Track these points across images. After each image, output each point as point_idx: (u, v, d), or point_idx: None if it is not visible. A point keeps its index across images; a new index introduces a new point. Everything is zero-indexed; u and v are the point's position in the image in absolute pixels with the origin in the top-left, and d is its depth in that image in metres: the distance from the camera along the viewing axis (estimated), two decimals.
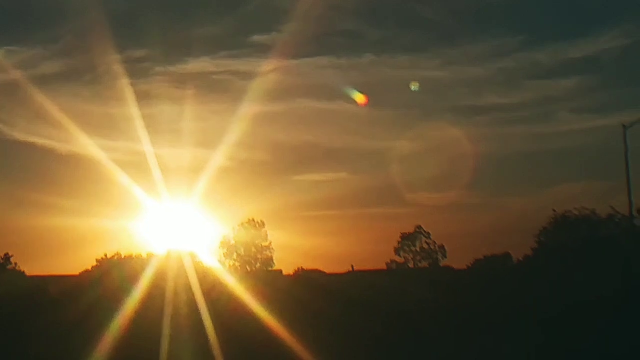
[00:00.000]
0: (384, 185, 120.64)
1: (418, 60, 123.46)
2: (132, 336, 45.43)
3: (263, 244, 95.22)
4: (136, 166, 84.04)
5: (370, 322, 47.83)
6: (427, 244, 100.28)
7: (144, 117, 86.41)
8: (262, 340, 44.60)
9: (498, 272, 64.01)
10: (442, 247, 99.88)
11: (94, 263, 67.31)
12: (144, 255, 66.29)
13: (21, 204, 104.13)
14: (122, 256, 66.68)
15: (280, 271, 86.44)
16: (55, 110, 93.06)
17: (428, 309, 50.21)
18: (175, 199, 77.52)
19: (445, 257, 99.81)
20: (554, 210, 59.81)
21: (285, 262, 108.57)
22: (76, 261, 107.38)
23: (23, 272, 78.79)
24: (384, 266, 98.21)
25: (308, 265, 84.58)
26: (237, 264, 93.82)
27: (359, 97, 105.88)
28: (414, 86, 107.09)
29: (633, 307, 40.45)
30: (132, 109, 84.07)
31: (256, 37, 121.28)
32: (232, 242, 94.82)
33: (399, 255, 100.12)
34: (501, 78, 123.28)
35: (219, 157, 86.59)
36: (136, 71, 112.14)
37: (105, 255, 67.45)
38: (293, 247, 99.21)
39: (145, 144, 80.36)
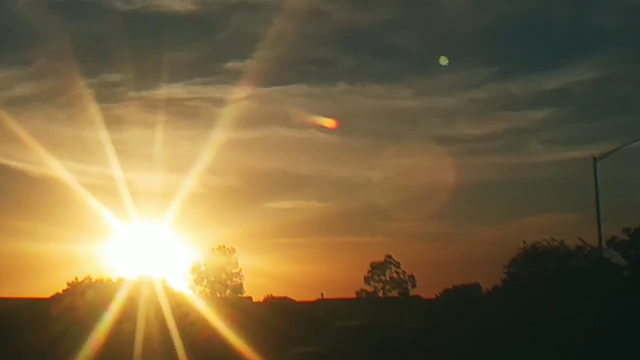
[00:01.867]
0: (355, 213, 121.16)
1: (390, 89, 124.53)
2: None
3: (233, 270, 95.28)
4: (109, 190, 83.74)
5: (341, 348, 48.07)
6: (397, 273, 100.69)
7: (116, 141, 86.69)
8: None
9: (467, 302, 64.28)
10: (412, 276, 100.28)
11: (65, 287, 67.06)
12: (114, 279, 66.18)
13: None
14: (93, 280, 66.46)
15: (251, 298, 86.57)
16: (28, 132, 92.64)
17: (398, 337, 50.49)
18: (146, 224, 77.57)
19: (415, 286, 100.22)
20: (524, 242, 60.15)
21: (256, 289, 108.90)
22: (47, 285, 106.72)
23: None
24: (353, 295, 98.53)
25: (278, 292, 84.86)
26: (207, 290, 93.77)
27: (329, 122, 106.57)
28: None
29: (603, 339, 40.84)
30: (105, 133, 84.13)
31: (230, 64, 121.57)
32: (203, 268, 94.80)
33: (369, 284, 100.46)
34: (473, 109, 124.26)
35: (191, 182, 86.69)
36: (110, 95, 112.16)
37: (76, 279, 67.22)
38: (263, 274, 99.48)
39: (117, 168, 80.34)
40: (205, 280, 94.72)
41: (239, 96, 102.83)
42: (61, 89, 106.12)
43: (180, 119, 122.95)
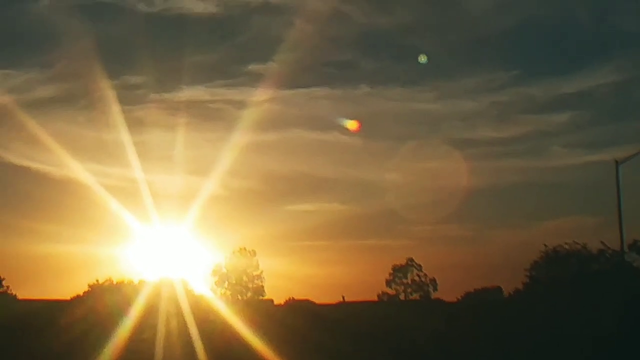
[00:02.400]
0: (377, 216, 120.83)
1: (412, 92, 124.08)
2: None
3: (254, 273, 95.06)
4: (130, 193, 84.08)
5: (362, 351, 47.94)
6: (419, 276, 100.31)
7: (138, 143, 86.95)
8: None
9: (489, 306, 64.10)
10: (433, 280, 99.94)
11: (86, 288, 67.27)
12: (135, 281, 66.34)
13: (14, 228, 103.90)
14: (114, 282, 66.64)
15: (272, 301, 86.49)
16: (50, 135, 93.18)
17: (419, 340, 50.34)
18: (167, 226, 77.67)
19: (437, 289, 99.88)
20: (545, 245, 59.92)
21: (277, 292, 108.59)
22: (68, 286, 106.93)
23: (15, 295, 78.66)
24: (375, 298, 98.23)
25: (299, 295, 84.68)
26: (228, 292, 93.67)
27: (351, 124, 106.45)
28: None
29: (625, 342, 40.66)
30: (127, 135, 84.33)
31: (252, 67, 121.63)
32: (224, 270, 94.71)
33: (390, 287, 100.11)
34: (495, 112, 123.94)
35: (212, 185, 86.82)
36: (131, 98, 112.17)
37: (97, 281, 67.42)
38: (284, 276, 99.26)
39: (139, 170, 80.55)
40: (227, 282, 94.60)
41: (261, 99, 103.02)
42: (82, 92, 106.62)
43: (202, 122, 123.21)
